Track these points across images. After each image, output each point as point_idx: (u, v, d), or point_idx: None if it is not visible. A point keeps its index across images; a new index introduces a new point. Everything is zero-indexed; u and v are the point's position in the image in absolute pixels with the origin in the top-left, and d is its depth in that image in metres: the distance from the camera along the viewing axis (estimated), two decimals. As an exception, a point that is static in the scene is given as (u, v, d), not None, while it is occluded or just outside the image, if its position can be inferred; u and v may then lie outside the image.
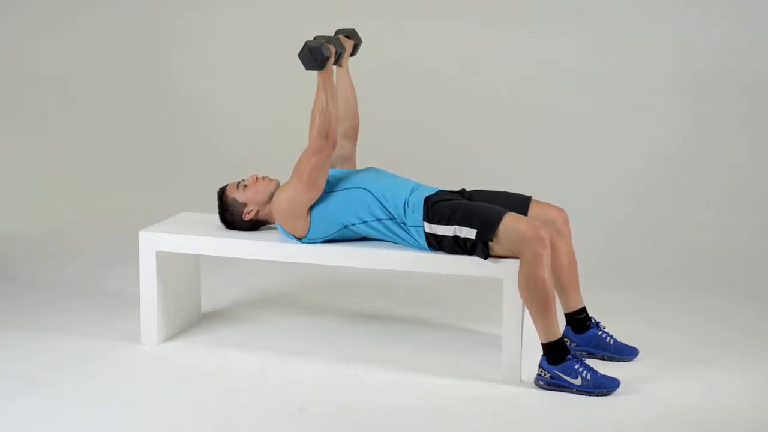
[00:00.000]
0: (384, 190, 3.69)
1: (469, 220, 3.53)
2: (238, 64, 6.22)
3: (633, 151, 5.61)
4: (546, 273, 3.43)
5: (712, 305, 4.46)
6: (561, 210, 3.75)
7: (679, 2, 5.61)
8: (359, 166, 4.05)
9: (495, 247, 3.51)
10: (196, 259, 4.18)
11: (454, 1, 5.90)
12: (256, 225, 3.93)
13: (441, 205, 3.60)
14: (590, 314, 3.86)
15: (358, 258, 3.72)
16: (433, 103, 5.93)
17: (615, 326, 3.97)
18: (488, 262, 3.54)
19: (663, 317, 4.31)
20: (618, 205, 5.46)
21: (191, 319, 4.17)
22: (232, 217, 3.91)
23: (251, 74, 6.20)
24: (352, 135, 3.99)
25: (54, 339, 3.98)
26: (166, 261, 3.94)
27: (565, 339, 3.70)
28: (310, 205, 3.70)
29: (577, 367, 3.45)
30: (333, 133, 3.61)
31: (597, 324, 3.79)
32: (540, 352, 3.53)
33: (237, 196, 3.88)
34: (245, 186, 3.88)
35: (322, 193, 3.70)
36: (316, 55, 3.55)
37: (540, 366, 3.50)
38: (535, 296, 3.43)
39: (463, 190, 3.78)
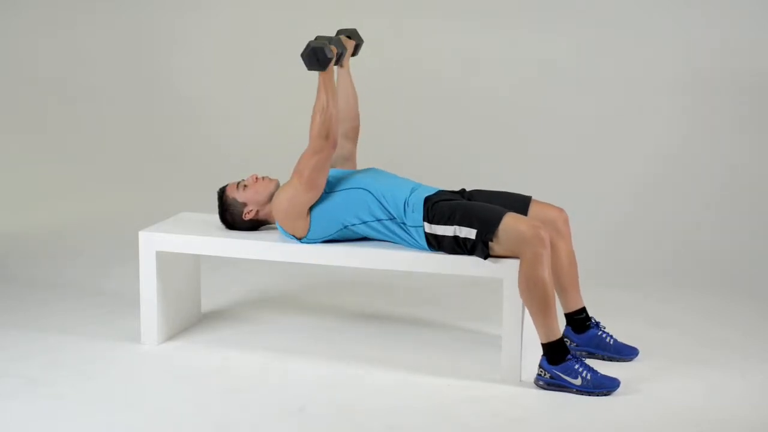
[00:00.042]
0: (384, 190, 3.69)
1: (469, 220, 3.53)
2: (238, 64, 6.22)
3: (633, 151, 5.61)
4: (546, 273, 3.43)
5: (712, 305, 4.46)
6: (561, 210, 3.75)
7: (679, 2, 5.61)
8: (359, 166, 4.05)
9: (495, 247, 3.51)
10: (196, 259, 4.18)
11: (454, 1, 5.90)
12: (256, 225, 3.93)
13: (441, 205, 3.60)
14: (590, 314, 3.86)
15: (358, 258, 3.72)
16: (433, 103, 5.93)
17: (615, 326, 3.97)
18: (488, 262, 3.54)
19: (663, 317, 4.31)
20: (618, 205, 5.46)
21: (191, 319, 4.17)
22: (232, 217, 3.91)
23: (251, 74, 6.20)
24: (353, 135, 3.99)
25: (54, 339, 3.98)
26: (166, 261, 3.94)
27: (565, 339, 3.70)
28: (310, 205, 3.70)
29: (577, 367, 3.45)
30: (333, 133, 3.61)
31: (597, 324, 3.79)
32: (540, 352, 3.53)
33: (237, 196, 3.88)
34: (245, 186, 3.88)
35: (323, 193, 3.70)
36: (319, 56, 3.55)
37: (540, 366, 3.50)
38: (535, 296, 3.43)
39: (463, 190, 3.78)
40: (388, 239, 3.72)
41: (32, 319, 4.23)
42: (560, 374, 3.46)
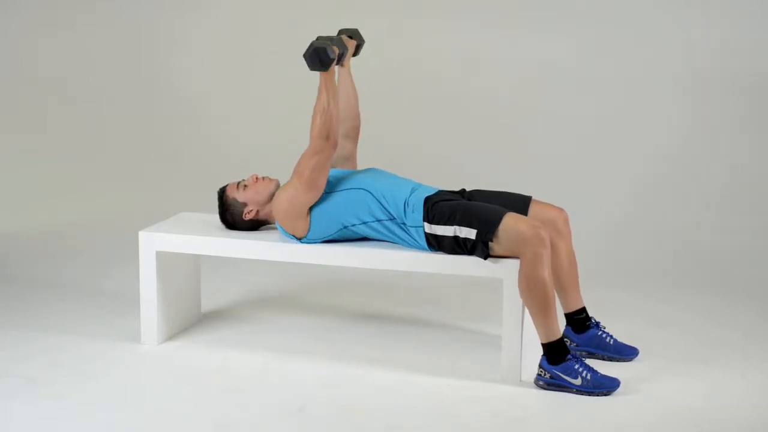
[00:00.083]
0: (384, 190, 3.69)
1: (469, 220, 3.53)
2: (238, 64, 6.22)
3: (633, 151, 5.61)
4: (546, 273, 3.43)
5: (712, 305, 4.46)
6: (561, 210, 3.75)
7: (679, 2, 5.61)
8: (360, 166, 4.05)
9: (495, 247, 3.51)
10: (196, 259, 4.18)
11: (454, 1, 5.90)
12: (256, 225, 3.93)
13: (441, 206, 3.60)
14: (590, 314, 3.86)
15: (358, 258, 3.72)
16: (433, 103, 5.93)
17: (615, 326, 3.97)
18: (488, 262, 3.54)
19: (663, 317, 4.31)
20: (618, 205, 5.46)
21: (191, 319, 4.17)
22: (233, 217, 3.91)
23: (251, 74, 6.20)
24: (353, 135, 3.99)
25: (54, 339, 3.98)
26: (166, 261, 3.94)
27: (565, 339, 3.70)
28: (310, 205, 3.70)
29: (577, 367, 3.45)
30: (334, 133, 3.60)
31: (597, 324, 3.79)
32: (540, 352, 3.53)
33: (237, 196, 3.88)
34: (245, 186, 3.88)
35: (323, 193, 3.70)
36: (321, 56, 3.55)
37: (540, 366, 3.50)
38: (535, 296, 3.43)
39: (463, 190, 3.78)
40: (388, 239, 3.72)
41: (32, 319, 4.23)
42: (560, 374, 3.46)
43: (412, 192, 3.69)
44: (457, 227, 3.54)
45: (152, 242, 3.88)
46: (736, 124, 5.48)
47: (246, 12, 6.19)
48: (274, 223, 3.91)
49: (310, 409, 3.36)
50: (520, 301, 3.50)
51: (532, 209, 3.71)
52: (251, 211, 3.88)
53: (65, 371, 3.66)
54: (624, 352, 3.77)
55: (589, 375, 3.44)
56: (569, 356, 3.47)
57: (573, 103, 5.73)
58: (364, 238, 3.78)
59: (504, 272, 3.53)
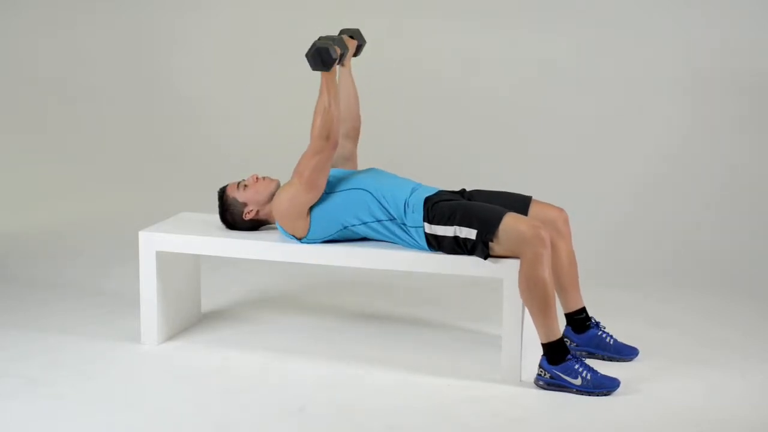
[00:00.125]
0: (384, 190, 3.69)
1: (469, 220, 3.53)
2: (238, 64, 6.22)
3: (633, 151, 5.61)
4: (546, 273, 3.43)
5: (712, 305, 4.46)
6: (561, 210, 3.75)
7: (679, 2, 5.61)
8: (360, 166, 4.05)
9: (495, 247, 3.51)
10: (196, 259, 4.18)
11: (454, 1, 5.90)
12: (256, 225, 3.93)
13: (441, 206, 3.60)
14: (590, 314, 3.86)
15: (358, 258, 3.72)
16: (433, 103, 5.93)
17: (615, 326, 3.97)
18: (488, 262, 3.54)
19: (663, 317, 4.30)
20: (618, 205, 5.46)
21: (191, 319, 4.17)
22: (233, 217, 3.91)
23: (251, 74, 6.20)
24: (354, 135, 3.99)
25: (54, 339, 3.98)
26: (166, 261, 3.94)
27: (565, 339, 3.70)
28: (310, 205, 3.70)
29: (577, 367, 3.45)
30: (334, 133, 3.60)
31: (597, 324, 3.79)
32: (540, 352, 3.53)
33: (237, 195, 3.88)
34: (245, 186, 3.88)
35: (323, 193, 3.70)
36: (324, 56, 3.55)
37: (540, 366, 3.50)
38: (535, 296, 3.43)
39: (463, 190, 3.78)
40: (388, 240, 3.72)
41: (32, 319, 4.23)
42: (560, 374, 3.46)
43: (412, 192, 3.69)
44: (457, 227, 3.54)
45: (152, 242, 3.88)
46: (736, 124, 5.48)
47: (246, 12, 6.19)
48: (274, 223, 3.91)
49: (310, 409, 3.36)
50: (520, 301, 3.50)
51: (533, 209, 3.71)
52: (251, 211, 3.88)
53: (65, 371, 3.66)
54: (624, 352, 3.77)
55: (589, 375, 3.44)
56: (569, 356, 3.47)
57: (573, 103, 5.73)
58: (364, 239, 3.78)
59: (504, 272, 3.53)
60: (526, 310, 3.52)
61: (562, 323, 3.70)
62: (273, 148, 5.74)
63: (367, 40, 4.02)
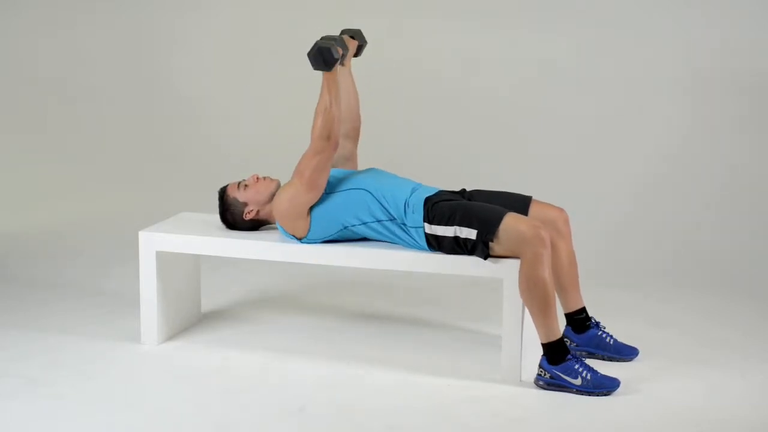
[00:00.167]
0: (384, 191, 3.69)
1: (469, 220, 3.53)
2: (238, 64, 6.22)
3: (633, 151, 5.61)
4: (546, 273, 3.43)
5: (712, 305, 4.46)
6: (561, 210, 3.75)
7: (679, 2, 5.61)
8: (360, 166, 4.05)
9: (495, 247, 3.51)
10: (196, 259, 4.18)
11: (454, 1, 5.90)
12: (256, 225, 3.93)
13: (441, 206, 3.60)
14: (590, 314, 3.86)
15: (358, 258, 3.72)
16: (433, 103, 5.93)
17: (615, 326, 3.97)
18: (488, 262, 3.54)
19: (663, 317, 4.30)
20: (618, 205, 5.46)
21: (191, 319, 4.17)
22: (233, 217, 3.91)
23: (251, 74, 6.20)
24: (354, 135, 3.99)
25: (54, 339, 3.98)
26: (166, 261, 3.94)
27: (565, 339, 3.70)
28: (310, 205, 3.70)
29: (577, 367, 3.45)
30: (335, 134, 3.60)
31: (597, 324, 3.79)
32: (540, 352, 3.53)
33: (238, 195, 3.88)
34: (246, 186, 3.88)
35: (323, 193, 3.70)
36: (326, 56, 3.54)
37: (540, 366, 3.50)
38: (535, 296, 3.43)
39: (464, 190, 3.78)
40: (388, 240, 3.72)
41: (32, 319, 4.23)
42: (560, 374, 3.46)
43: (412, 192, 3.69)
44: (457, 227, 3.54)
45: (152, 242, 3.88)
46: (736, 124, 5.48)
47: (246, 12, 6.19)
48: (274, 223, 3.91)
49: (310, 409, 3.36)
50: (520, 301, 3.50)
51: (533, 209, 3.71)
52: (252, 210, 3.88)
53: (65, 371, 3.66)
54: (624, 352, 3.77)
55: (589, 375, 3.44)
56: (569, 356, 3.47)
57: (573, 103, 5.73)
58: (364, 239, 3.78)
59: (504, 272, 3.53)
60: (526, 310, 3.52)
61: (562, 323, 3.70)
62: (273, 148, 5.74)
63: (367, 41, 4.02)
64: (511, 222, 3.49)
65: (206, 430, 3.23)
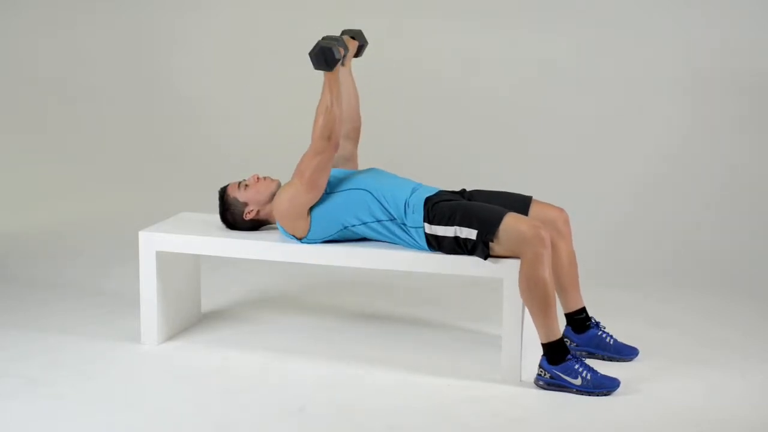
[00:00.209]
0: (384, 191, 3.69)
1: (470, 220, 3.53)
2: (238, 64, 6.22)
3: (633, 151, 5.61)
4: (546, 273, 3.43)
5: (712, 305, 4.46)
6: (561, 210, 3.75)
7: (679, 2, 5.61)
8: (360, 166, 4.05)
9: (495, 247, 3.51)
10: (196, 259, 4.18)
11: (454, 1, 5.90)
12: (256, 225, 3.93)
13: (441, 206, 3.60)
14: (590, 314, 3.86)
15: (358, 258, 3.72)
16: (433, 103, 5.93)
17: (615, 326, 3.97)
18: (488, 262, 3.54)
19: (663, 317, 4.31)
20: (618, 205, 5.46)
21: (191, 319, 4.17)
22: (233, 217, 3.91)
23: (251, 74, 6.20)
24: (354, 136, 3.99)
25: (54, 339, 3.98)
26: (166, 261, 3.94)
27: (565, 339, 3.70)
28: (310, 205, 3.70)
29: (577, 367, 3.45)
30: (336, 134, 3.60)
31: (597, 324, 3.79)
32: (540, 352, 3.53)
33: (238, 195, 3.88)
34: (246, 186, 3.89)
35: (323, 193, 3.70)
36: (327, 56, 3.54)
37: (540, 366, 3.50)
38: (535, 296, 3.43)
39: (464, 190, 3.78)
40: (388, 240, 3.72)
41: (32, 319, 4.23)
42: (560, 374, 3.46)
43: (412, 192, 3.69)
44: (457, 228, 3.54)
45: (152, 242, 3.88)
46: (736, 124, 5.48)
47: (246, 12, 6.19)
48: (274, 223, 3.91)
49: (310, 409, 3.36)
50: (520, 301, 3.50)
51: (533, 209, 3.71)
52: (252, 210, 3.88)
53: (65, 371, 3.66)
54: (624, 352, 3.77)
55: (589, 375, 3.44)
56: (569, 356, 3.47)
57: (573, 103, 5.73)
58: (364, 239, 3.78)
59: (504, 272, 3.53)
60: (526, 310, 3.52)
61: (562, 323, 3.70)
62: (273, 148, 5.74)
63: (368, 41, 4.02)
64: (511, 222, 3.49)
65: (206, 430, 3.23)
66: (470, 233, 3.52)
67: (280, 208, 3.73)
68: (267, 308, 4.41)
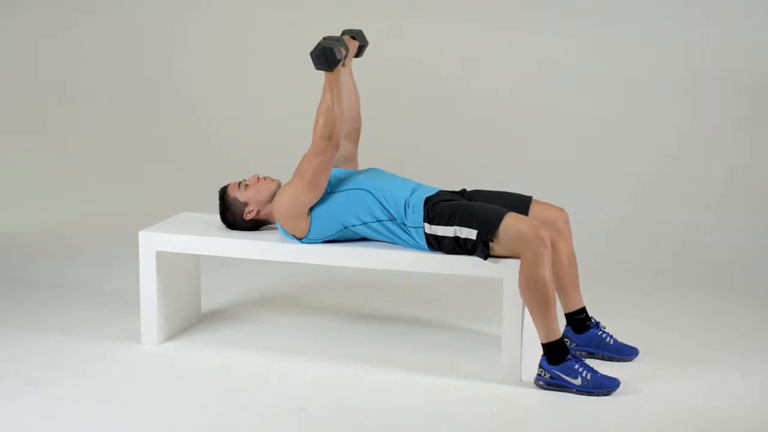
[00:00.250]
0: (385, 191, 3.69)
1: (470, 220, 3.53)
2: (238, 64, 6.22)
3: (633, 151, 5.61)
4: (546, 273, 3.43)
5: (712, 305, 4.46)
6: (561, 210, 3.75)
7: (679, 2, 5.61)
8: (360, 166, 4.05)
9: (495, 247, 3.51)
10: (196, 259, 4.18)
11: (454, 1, 5.90)
12: (256, 225, 3.93)
13: (441, 206, 3.60)
14: (590, 314, 3.86)
15: (358, 258, 3.72)
16: (433, 103, 5.93)
17: (615, 326, 3.97)
18: (488, 262, 3.54)
19: (663, 317, 4.31)
20: (618, 205, 5.46)
21: (191, 319, 4.17)
22: (233, 217, 3.91)
23: (251, 74, 6.20)
24: (354, 136, 3.99)
25: (54, 339, 3.98)
26: (166, 261, 3.94)
27: (565, 339, 3.70)
28: (311, 205, 3.70)
29: (577, 367, 3.45)
30: (336, 134, 3.60)
31: (597, 324, 3.79)
32: (540, 352, 3.53)
33: (238, 195, 3.88)
34: (246, 186, 3.89)
35: (323, 193, 3.70)
36: (328, 56, 3.54)
37: (540, 366, 3.50)
38: (535, 296, 3.43)
39: (464, 190, 3.78)
40: (388, 240, 3.72)
41: (32, 319, 4.23)
42: (560, 374, 3.46)
43: (412, 192, 3.69)
44: (457, 228, 3.54)
45: (152, 242, 3.88)
46: (736, 124, 5.48)
47: (246, 12, 6.19)
48: (274, 223, 3.91)
49: (310, 409, 3.36)
50: (520, 301, 3.50)
51: (533, 209, 3.71)
52: (252, 210, 3.88)
53: (65, 371, 3.66)
54: (624, 352, 3.77)
55: (589, 375, 3.44)
56: (569, 356, 3.47)
57: (573, 103, 5.73)
58: (364, 239, 3.78)
59: (504, 272, 3.53)
60: (526, 310, 3.52)
61: (562, 323, 3.70)
62: (273, 148, 5.74)
63: (368, 41, 4.02)
64: (511, 222, 3.49)
65: (206, 430, 3.23)
66: (470, 233, 3.52)
67: (280, 208, 3.73)
68: (267, 308, 4.41)
